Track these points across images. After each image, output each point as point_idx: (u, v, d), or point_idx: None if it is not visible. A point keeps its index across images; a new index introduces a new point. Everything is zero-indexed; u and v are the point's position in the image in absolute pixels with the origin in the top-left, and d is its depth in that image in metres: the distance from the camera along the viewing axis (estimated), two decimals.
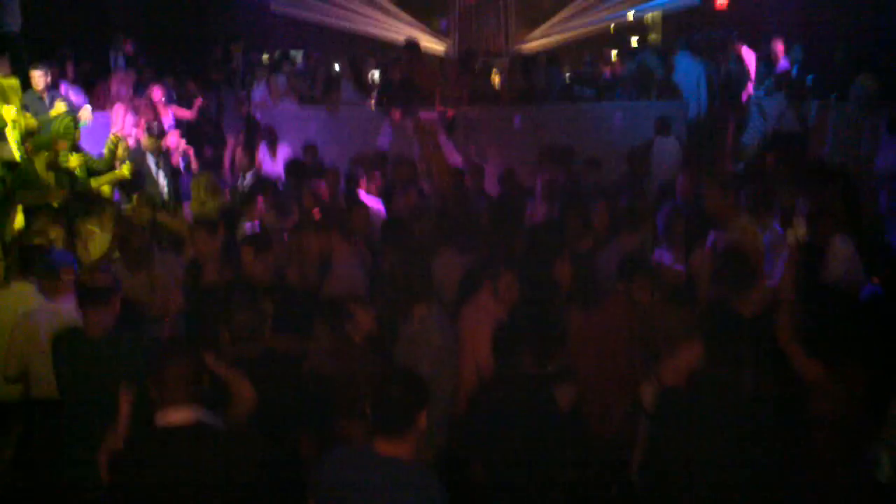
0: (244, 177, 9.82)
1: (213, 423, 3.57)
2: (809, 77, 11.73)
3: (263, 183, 8.72)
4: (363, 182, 8.68)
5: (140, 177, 9.22)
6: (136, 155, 9.47)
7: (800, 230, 7.16)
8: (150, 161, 9.46)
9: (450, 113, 11.06)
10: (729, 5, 16.99)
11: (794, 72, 12.01)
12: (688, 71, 12.30)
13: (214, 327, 4.98)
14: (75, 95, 11.15)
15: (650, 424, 4.40)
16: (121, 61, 13.88)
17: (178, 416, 3.49)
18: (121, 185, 9.20)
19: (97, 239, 7.11)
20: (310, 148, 10.37)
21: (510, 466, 4.30)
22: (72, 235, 7.16)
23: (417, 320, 5.09)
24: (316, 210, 7.90)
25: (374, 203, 8.22)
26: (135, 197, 8.22)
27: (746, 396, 4.08)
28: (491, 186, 9.29)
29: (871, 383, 4.26)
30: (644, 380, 4.42)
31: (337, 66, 14.67)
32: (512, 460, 4.29)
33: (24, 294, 5.62)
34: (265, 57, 15.48)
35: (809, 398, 4.31)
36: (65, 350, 4.55)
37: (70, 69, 12.16)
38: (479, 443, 4.53)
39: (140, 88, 11.97)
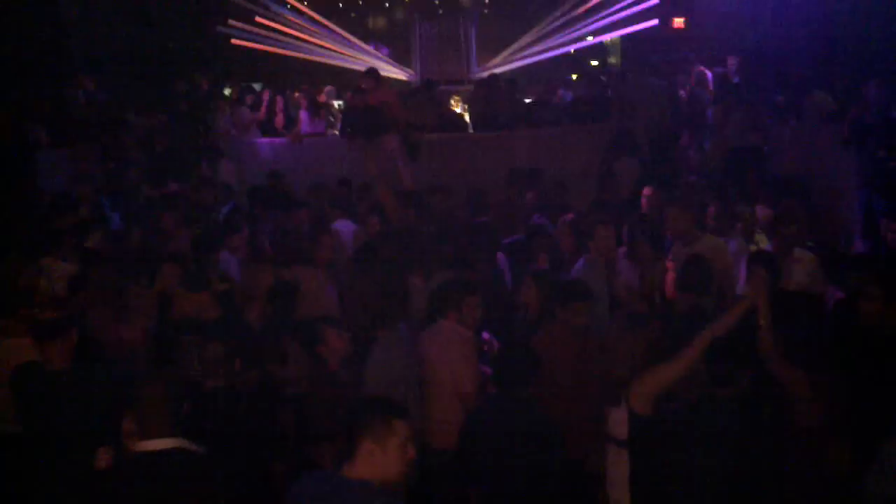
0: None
1: (191, 448, 3.56)
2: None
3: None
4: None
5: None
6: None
7: (762, 242, 7.26)
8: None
9: (414, 139, 11.08)
10: (685, 26, 17.26)
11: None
12: (646, 91, 12.44)
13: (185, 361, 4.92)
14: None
15: (628, 453, 4.36)
16: (82, 97, 13.76)
17: (157, 442, 3.50)
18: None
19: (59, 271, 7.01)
20: (273, 173, 10.32)
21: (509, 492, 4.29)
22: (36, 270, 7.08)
23: (382, 344, 5.04)
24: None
25: (345, 226, 8.23)
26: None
27: (731, 415, 4.04)
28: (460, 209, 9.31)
29: (847, 391, 4.30)
30: (609, 406, 4.40)
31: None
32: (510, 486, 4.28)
33: None
34: (227, 90, 15.47)
35: (793, 410, 4.28)
36: (26, 384, 4.47)
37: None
38: (476, 468, 4.49)
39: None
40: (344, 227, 8.34)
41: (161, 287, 6.47)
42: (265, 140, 12.82)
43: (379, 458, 3.21)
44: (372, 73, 11.60)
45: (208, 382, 4.55)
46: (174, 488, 3.42)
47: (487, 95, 12.51)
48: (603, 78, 14.40)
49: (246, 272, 6.82)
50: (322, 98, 13.87)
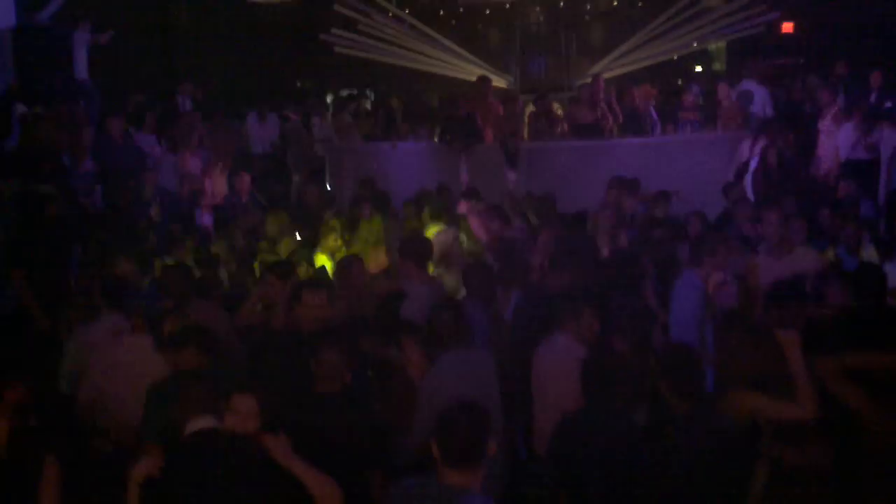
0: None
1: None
2: (888, 104, 11.48)
3: None
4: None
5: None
6: None
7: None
8: None
9: (513, 146, 11.05)
10: (795, 30, 16.75)
11: (872, 98, 11.77)
12: (754, 98, 12.11)
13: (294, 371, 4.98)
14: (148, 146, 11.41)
15: None
16: (188, 104, 14.20)
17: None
18: None
19: None
20: (367, 181, 10.38)
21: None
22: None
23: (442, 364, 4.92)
24: None
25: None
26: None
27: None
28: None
29: None
30: None
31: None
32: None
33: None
34: (329, 96, 15.76)
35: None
36: None
37: (148, 116, 12.19)
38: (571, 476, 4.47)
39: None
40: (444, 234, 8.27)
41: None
42: (366, 146, 12.97)
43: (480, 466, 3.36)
44: (485, 80, 11.59)
45: (320, 387, 4.59)
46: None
47: (591, 101, 12.24)
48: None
49: None
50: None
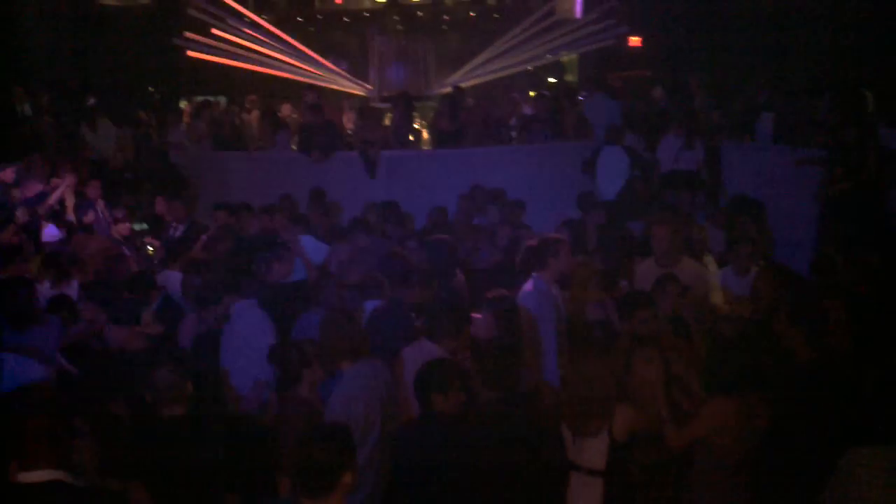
0: (175, 227, 9.58)
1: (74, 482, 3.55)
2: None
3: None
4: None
5: None
6: None
7: (710, 263, 7.30)
8: None
9: (371, 155, 11.00)
10: (643, 44, 17.45)
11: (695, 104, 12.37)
12: (601, 110, 12.47)
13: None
14: None
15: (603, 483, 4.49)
16: (28, 110, 13.47)
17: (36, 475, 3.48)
18: None
19: None
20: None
21: None
22: None
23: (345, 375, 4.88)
24: None
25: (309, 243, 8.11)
26: None
27: None
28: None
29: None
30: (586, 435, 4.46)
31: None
32: None
33: None
34: (183, 103, 15.31)
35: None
36: None
37: None
38: None
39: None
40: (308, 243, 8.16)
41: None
42: (223, 153, 12.66)
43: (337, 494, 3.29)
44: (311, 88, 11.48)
45: (164, 411, 4.39)
46: None
47: (451, 110, 12.38)
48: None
49: None
50: (282, 113, 13.77)
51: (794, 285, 5.64)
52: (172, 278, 7.36)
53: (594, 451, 4.43)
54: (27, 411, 3.73)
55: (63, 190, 10.04)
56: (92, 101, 14.76)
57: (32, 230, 9.27)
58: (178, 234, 9.35)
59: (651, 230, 6.83)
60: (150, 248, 8.87)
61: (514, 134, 12.92)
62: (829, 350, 4.71)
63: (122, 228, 9.99)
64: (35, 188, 10.01)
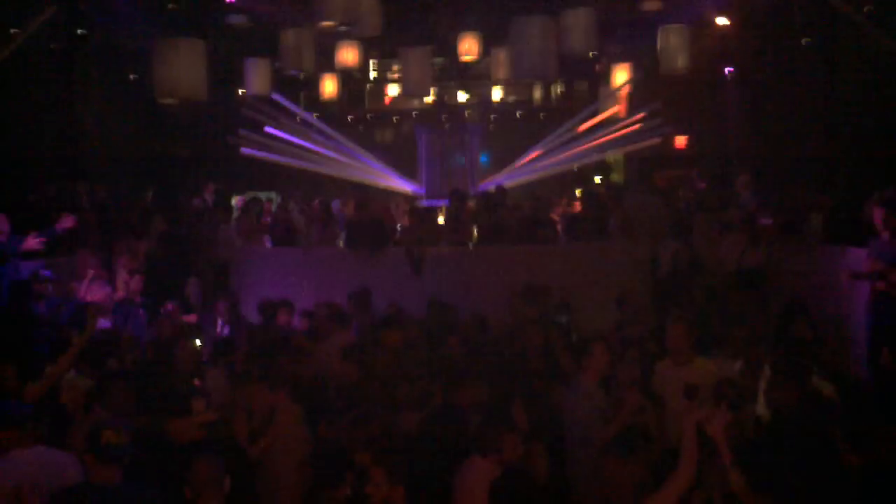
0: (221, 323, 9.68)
1: None
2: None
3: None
4: None
5: None
6: None
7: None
8: None
9: (418, 252, 11.09)
10: (688, 144, 17.58)
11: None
12: (644, 207, 12.48)
13: None
14: None
15: None
16: (86, 202, 13.83)
17: None
18: None
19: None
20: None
21: None
22: None
23: None
24: None
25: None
26: None
27: None
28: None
29: None
30: None
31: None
32: None
33: None
34: (234, 199, 15.65)
35: None
36: None
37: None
38: None
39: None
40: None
41: None
42: (274, 249, 12.83)
43: None
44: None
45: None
46: None
47: (493, 208, 12.52)
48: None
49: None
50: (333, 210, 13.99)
51: None
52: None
53: None
54: None
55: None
56: (150, 195, 15.20)
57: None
58: (225, 331, 9.44)
59: (667, 329, 6.82)
60: (199, 343, 8.92)
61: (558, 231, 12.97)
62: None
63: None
64: (102, 291, 10.11)
